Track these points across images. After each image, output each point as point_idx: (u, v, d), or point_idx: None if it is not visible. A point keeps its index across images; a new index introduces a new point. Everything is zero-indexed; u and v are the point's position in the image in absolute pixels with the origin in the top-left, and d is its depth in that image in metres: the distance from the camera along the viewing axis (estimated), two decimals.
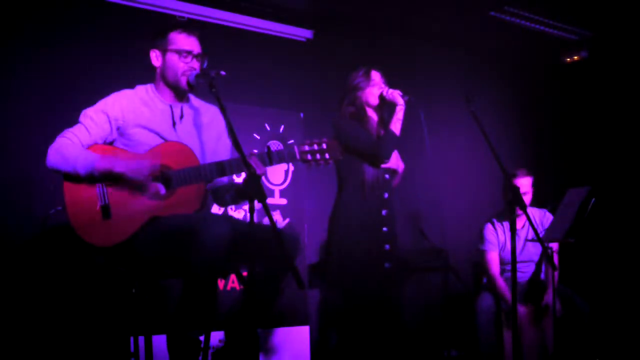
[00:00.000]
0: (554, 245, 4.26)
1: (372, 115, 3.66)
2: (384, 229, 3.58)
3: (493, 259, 4.25)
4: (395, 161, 3.66)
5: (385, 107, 3.65)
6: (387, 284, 3.58)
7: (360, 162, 3.58)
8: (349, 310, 3.57)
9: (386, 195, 3.62)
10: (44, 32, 3.88)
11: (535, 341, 4.09)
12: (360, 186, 3.56)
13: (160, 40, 2.80)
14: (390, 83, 3.73)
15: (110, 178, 2.59)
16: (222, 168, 2.65)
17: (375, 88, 3.63)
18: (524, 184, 4.19)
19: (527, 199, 4.23)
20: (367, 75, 3.66)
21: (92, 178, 2.59)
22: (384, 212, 3.59)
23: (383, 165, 3.59)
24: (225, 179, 2.89)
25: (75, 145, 2.64)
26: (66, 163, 2.59)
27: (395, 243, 3.61)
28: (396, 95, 3.56)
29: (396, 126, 3.55)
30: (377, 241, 3.56)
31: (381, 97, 3.62)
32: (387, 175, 3.64)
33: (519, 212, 4.08)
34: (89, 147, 2.67)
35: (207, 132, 2.87)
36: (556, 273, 4.19)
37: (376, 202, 3.58)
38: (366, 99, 3.64)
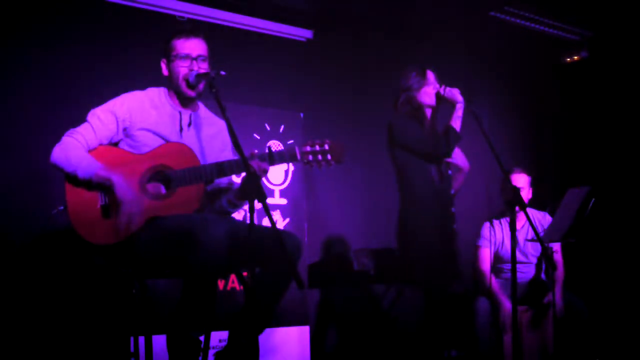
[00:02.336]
0: (557, 247, 4.26)
1: (429, 115, 3.67)
2: (454, 226, 3.65)
3: (485, 255, 4.26)
4: (460, 158, 3.71)
5: (440, 106, 3.66)
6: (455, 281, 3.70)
7: (424, 161, 3.60)
8: (428, 306, 3.60)
9: (452, 191, 3.69)
10: (44, 32, 3.88)
11: (535, 342, 4.09)
12: (430, 185, 3.58)
13: (165, 50, 2.84)
14: (391, 83, 3.72)
15: (104, 188, 2.60)
16: (222, 168, 2.66)
17: (430, 87, 3.62)
18: (520, 180, 4.19)
19: (523, 195, 4.22)
20: (423, 75, 3.65)
21: (89, 184, 2.60)
22: (453, 209, 3.65)
23: (449, 160, 3.63)
24: (224, 181, 2.89)
25: (81, 146, 2.65)
26: (68, 164, 2.60)
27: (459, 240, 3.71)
28: (455, 93, 3.56)
29: (457, 123, 3.56)
30: (449, 239, 3.63)
31: (437, 96, 3.62)
32: (450, 172, 3.68)
33: (518, 212, 4.09)
34: (94, 147, 2.69)
35: (212, 142, 2.89)
36: (561, 273, 4.20)
37: (445, 200, 3.63)
38: (422, 99, 3.63)
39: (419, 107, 3.63)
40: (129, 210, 2.56)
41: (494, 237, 4.29)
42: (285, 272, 2.64)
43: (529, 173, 4.29)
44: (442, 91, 3.59)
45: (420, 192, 3.59)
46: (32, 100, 3.79)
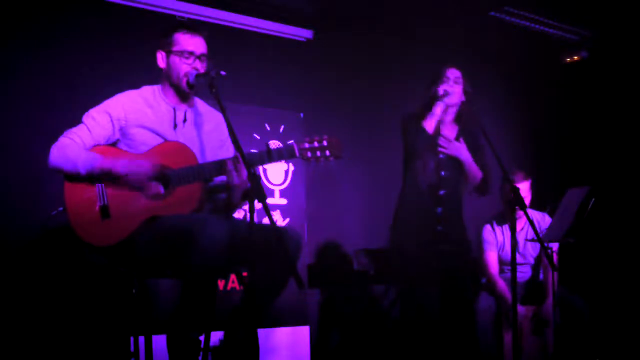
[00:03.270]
0: (554, 246, 4.26)
1: (439, 111, 3.54)
2: (439, 227, 3.52)
3: (492, 258, 4.25)
4: (456, 149, 3.55)
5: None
6: (439, 284, 3.54)
7: (416, 158, 3.54)
8: (402, 306, 3.58)
9: (442, 192, 3.55)
10: (44, 32, 3.88)
11: (535, 341, 4.09)
12: (416, 184, 3.53)
13: (165, 41, 2.80)
14: (391, 83, 3.72)
15: (110, 177, 2.59)
16: (221, 167, 2.65)
17: (443, 85, 3.53)
18: (522, 188, 4.16)
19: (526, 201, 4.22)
20: (440, 72, 3.58)
21: (92, 177, 2.60)
22: (439, 209, 3.54)
23: (446, 151, 3.52)
24: (222, 179, 2.88)
25: (77, 145, 2.65)
26: (68, 162, 2.60)
27: (451, 242, 3.55)
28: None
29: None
30: (432, 240, 3.52)
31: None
32: (443, 172, 3.57)
33: (519, 213, 4.08)
34: (91, 147, 2.68)
35: (209, 137, 2.87)
36: (555, 274, 4.19)
37: (431, 200, 3.54)
38: (435, 92, 3.54)
39: (432, 99, 3.54)
40: (141, 171, 2.58)
41: (495, 239, 4.29)
42: (283, 269, 2.64)
43: (529, 176, 4.27)
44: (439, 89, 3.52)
45: (409, 192, 3.56)
46: (31, 101, 3.78)
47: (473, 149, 3.60)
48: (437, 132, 3.53)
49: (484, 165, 3.62)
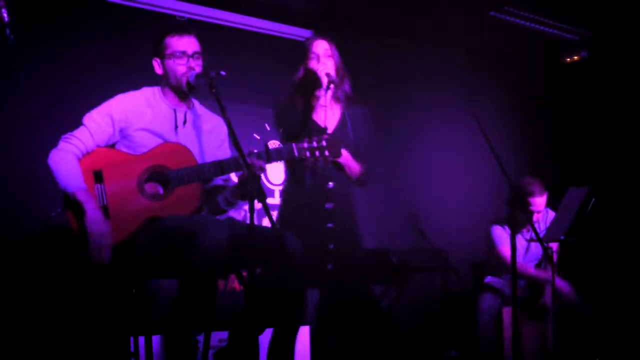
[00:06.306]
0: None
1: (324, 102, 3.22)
2: (329, 225, 3.14)
3: (506, 248, 4.21)
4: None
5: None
6: (333, 286, 3.22)
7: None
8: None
9: (330, 185, 3.16)
10: (44, 32, 3.88)
11: (535, 341, 4.09)
12: (301, 175, 3.16)
13: (158, 48, 2.82)
14: (391, 83, 3.71)
15: (80, 211, 2.55)
16: (221, 167, 2.66)
17: (311, 64, 3.23)
18: (539, 202, 4.14)
19: (539, 216, 4.21)
20: (306, 49, 3.28)
21: (73, 200, 2.57)
22: (327, 205, 3.14)
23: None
24: (220, 180, 2.88)
25: (75, 156, 2.64)
26: (59, 176, 2.60)
27: (342, 241, 3.17)
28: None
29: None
30: (322, 239, 3.11)
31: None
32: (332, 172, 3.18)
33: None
34: (92, 150, 2.69)
35: (208, 138, 2.88)
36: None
37: (319, 194, 3.14)
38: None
39: (309, 86, 3.24)
40: (98, 242, 2.50)
41: (508, 237, 4.27)
42: (285, 272, 2.64)
43: (546, 189, 4.23)
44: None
45: (291, 188, 3.22)
46: (31, 101, 3.78)
47: (357, 135, 3.21)
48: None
49: (362, 155, 3.23)
